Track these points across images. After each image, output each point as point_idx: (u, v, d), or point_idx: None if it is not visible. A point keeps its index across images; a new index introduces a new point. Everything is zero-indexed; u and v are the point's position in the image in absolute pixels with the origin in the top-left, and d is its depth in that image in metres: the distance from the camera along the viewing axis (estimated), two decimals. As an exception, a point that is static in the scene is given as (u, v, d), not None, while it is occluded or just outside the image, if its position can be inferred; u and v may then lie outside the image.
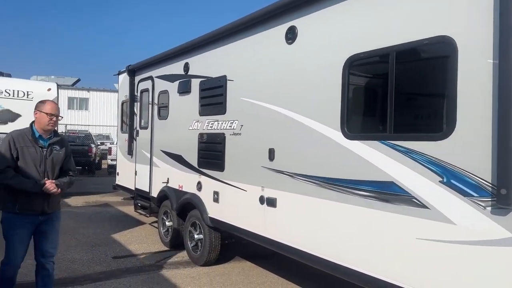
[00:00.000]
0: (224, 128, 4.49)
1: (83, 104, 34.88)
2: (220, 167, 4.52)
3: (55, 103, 3.41)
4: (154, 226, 7.08)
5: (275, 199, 3.69)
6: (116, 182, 8.08)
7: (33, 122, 3.36)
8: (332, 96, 3.08)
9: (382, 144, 2.72)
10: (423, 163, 2.48)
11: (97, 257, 5.23)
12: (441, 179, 2.38)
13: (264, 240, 3.83)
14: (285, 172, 3.57)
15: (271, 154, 3.73)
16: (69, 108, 32.71)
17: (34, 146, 3.30)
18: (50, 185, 3.24)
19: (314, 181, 3.23)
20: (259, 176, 3.90)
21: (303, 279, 4.53)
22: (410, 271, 2.53)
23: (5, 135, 3.31)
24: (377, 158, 2.74)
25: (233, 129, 4.33)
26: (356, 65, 2.97)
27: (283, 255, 3.82)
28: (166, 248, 5.71)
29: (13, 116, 8.90)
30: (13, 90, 9.05)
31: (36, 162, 3.29)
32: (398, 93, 2.64)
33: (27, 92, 9.17)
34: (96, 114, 34.39)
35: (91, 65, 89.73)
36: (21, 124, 8.96)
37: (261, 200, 3.85)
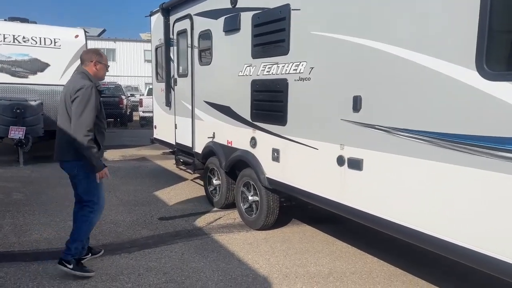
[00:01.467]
0: (287, 72, 3.67)
1: (110, 55, 34.30)
2: (281, 120, 3.78)
3: None
4: (197, 183, 6.61)
5: (361, 160, 2.94)
6: (154, 136, 7.55)
7: (84, 72, 3.25)
8: (461, 20, 2.19)
9: (553, 87, 1.86)
10: None
11: (141, 219, 4.80)
12: None
13: (342, 208, 3.16)
14: (377, 127, 2.79)
15: (357, 103, 2.93)
16: (97, 59, 32.27)
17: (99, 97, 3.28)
18: (106, 173, 3.25)
19: (426, 138, 2.44)
20: (337, 132, 3.14)
21: (374, 247, 3.90)
22: None
23: (85, 86, 3.08)
24: (543, 107, 1.90)
25: (300, 73, 3.51)
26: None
27: (346, 220, 3.20)
28: (215, 208, 5.21)
29: (42, 66, 8.37)
30: (40, 38, 8.41)
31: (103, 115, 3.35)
32: None
33: (54, 39, 8.53)
34: (124, 65, 33.98)
35: (115, 15, 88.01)
36: (51, 74, 8.53)
37: (340, 161, 3.13)
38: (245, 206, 4.60)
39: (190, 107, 5.75)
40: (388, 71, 2.68)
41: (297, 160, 3.64)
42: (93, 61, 3.26)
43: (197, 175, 6.93)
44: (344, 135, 3.08)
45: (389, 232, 2.82)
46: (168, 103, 6.59)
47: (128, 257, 3.68)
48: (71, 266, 3.22)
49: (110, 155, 9.34)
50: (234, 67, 4.52)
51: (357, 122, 2.94)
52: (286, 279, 3.31)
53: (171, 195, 5.92)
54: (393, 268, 3.54)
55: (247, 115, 4.33)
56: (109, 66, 3.43)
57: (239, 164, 4.60)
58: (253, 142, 4.26)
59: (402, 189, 2.65)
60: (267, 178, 4.07)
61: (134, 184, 6.55)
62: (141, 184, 6.56)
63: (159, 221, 4.74)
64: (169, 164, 8.34)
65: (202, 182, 6.56)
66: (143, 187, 6.36)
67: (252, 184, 4.43)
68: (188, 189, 6.29)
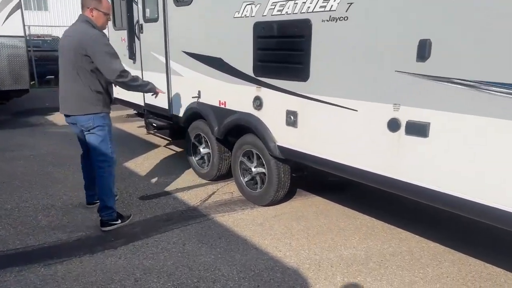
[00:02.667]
0: (310, 10, 2.84)
1: (41, 3, 30.22)
2: (301, 74, 3.00)
3: None
4: (172, 150, 5.74)
5: (427, 124, 2.31)
6: (114, 95, 6.37)
7: (88, 20, 3.02)
8: None
9: None
10: None
11: (119, 199, 3.91)
12: None
13: (395, 184, 2.54)
14: (455, 80, 2.13)
15: (425, 49, 2.22)
16: (25, 8, 28.14)
17: None
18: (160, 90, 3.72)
19: (544, 96, 1.83)
20: (389, 88, 2.45)
21: (399, 219, 3.44)
22: None
23: (101, 35, 3.03)
24: None
25: (331, 10, 2.71)
26: None
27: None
28: (204, 181, 4.44)
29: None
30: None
31: None
32: None
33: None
34: (58, 15, 30.16)
35: (40, -43, 77.22)
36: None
37: (393, 125, 2.47)
38: (246, 179, 3.89)
39: (163, 59, 4.72)
40: (478, 4, 1.98)
41: (325, 125, 2.94)
42: (90, 7, 3.00)
43: (169, 140, 6.04)
44: (400, 92, 2.40)
45: (472, 216, 2.27)
46: (132, 55, 5.45)
47: (115, 255, 2.87)
48: (119, 222, 3.28)
49: (59, 119, 7.99)
50: (227, 6, 3.57)
51: (423, 75, 2.26)
52: (321, 270, 2.72)
53: (146, 166, 5.03)
54: (433, 245, 3.09)
55: (248, 69, 3.49)
56: (109, 14, 3.12)
57: (237, 130, 3.81)
58: (258, 102, 3.46)
59: (494, 162, 2.07)
60: (279, 146, 3.35)
61: (96, 154, 5.50)
62: (106, 153, 5.54)
63: (140, 201, 3.90)
64: (133, 127, 7.30)
65: (178, 149, 5.72)
66: (108, 157, 5.36)
67: (256, 154, 3.70)
68: (164, 157, 5.41)
